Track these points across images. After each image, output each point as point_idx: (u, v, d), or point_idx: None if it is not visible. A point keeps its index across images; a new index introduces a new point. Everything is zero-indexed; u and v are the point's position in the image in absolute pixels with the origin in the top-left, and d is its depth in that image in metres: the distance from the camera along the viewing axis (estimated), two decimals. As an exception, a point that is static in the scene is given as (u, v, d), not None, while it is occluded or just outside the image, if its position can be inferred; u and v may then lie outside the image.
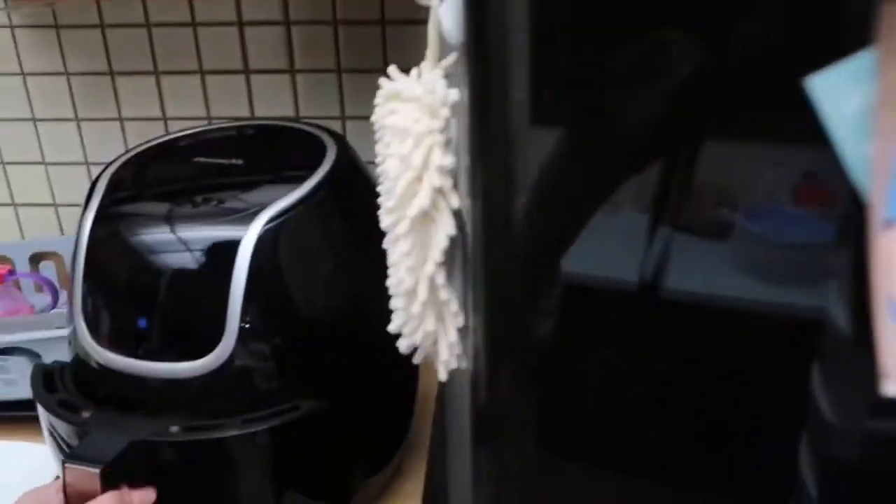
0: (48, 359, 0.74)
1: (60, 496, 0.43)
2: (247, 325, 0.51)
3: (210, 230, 0.53)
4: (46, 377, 0.57)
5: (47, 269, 0.96)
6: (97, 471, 0.43)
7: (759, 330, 0.28)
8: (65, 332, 0.69)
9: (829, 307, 0.26)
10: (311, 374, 0.55)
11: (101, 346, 0.54)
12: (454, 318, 0.42)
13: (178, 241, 0.53)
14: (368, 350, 0.59)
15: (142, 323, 0.53)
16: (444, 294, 0.41)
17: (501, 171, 0.29)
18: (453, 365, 0.43)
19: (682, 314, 0.29)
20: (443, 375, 0.44)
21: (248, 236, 0.51)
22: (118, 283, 0.55)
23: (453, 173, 0.34)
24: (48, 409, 0.52)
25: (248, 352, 0.52)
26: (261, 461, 0.52)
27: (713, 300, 0.28)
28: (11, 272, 0.88)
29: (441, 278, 0.40)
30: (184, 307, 0.53)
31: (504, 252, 0.31)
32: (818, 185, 0.24)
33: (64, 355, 0.62)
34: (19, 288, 0.92)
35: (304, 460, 0.54)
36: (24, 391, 0.67)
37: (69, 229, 1.01)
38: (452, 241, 0.36)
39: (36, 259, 0.97)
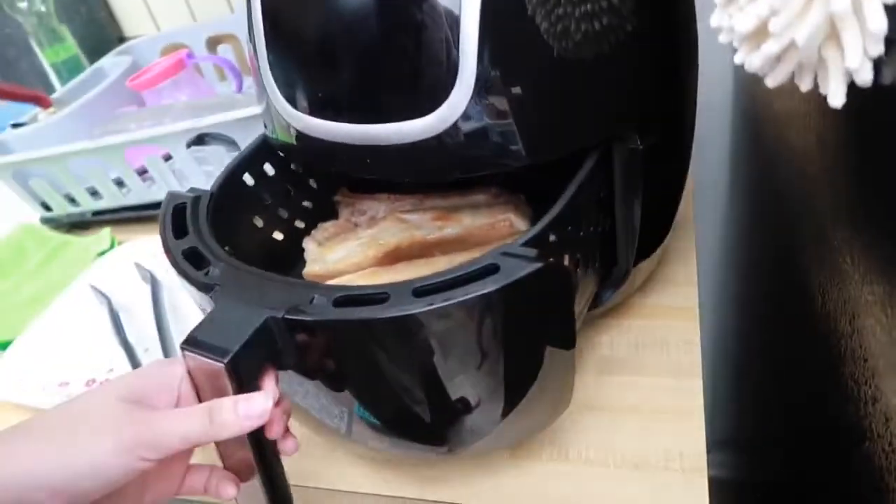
0: (244, 145, 0.66)
1: (188, 384, 0.33)
2: (487, 68, 0.36)
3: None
4: (177, 214, 0.43)
5: (225, 53, 0.87)
6: (220, 365, 0.30)
7: None
8: (257, 110, 0.59)
9: None
10: (567, 130, 0.40)
11: (300, 111, 0.42)
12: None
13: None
14: (660, 96, 0.42)
15: (343, 78, 0.40)
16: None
17: None
18: (866, 76, 0.25)
19: None
20: (839, 97, 0.26)
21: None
22: (308, 31, 0.41)
23: None
24: (173, 263, 0.39)
25: (488, 105, 0.37)
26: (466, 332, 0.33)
27: None
28: (190, 56, 0.79)
29: None
30: (397, 50, 0.38)
31: None
32: None
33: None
34: (201, 74, 0.84)
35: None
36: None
37: (241, 7, 0.89)
38: None
39: (213, 44, 0.88)
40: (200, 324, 0.32)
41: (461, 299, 0.30)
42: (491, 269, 0.31)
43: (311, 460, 0.47)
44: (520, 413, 0.37)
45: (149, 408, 0.32)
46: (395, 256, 0.50)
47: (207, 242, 0.40)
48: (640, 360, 0.49)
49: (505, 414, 0.37)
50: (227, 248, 0.43)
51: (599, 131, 0.41)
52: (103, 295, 0.63)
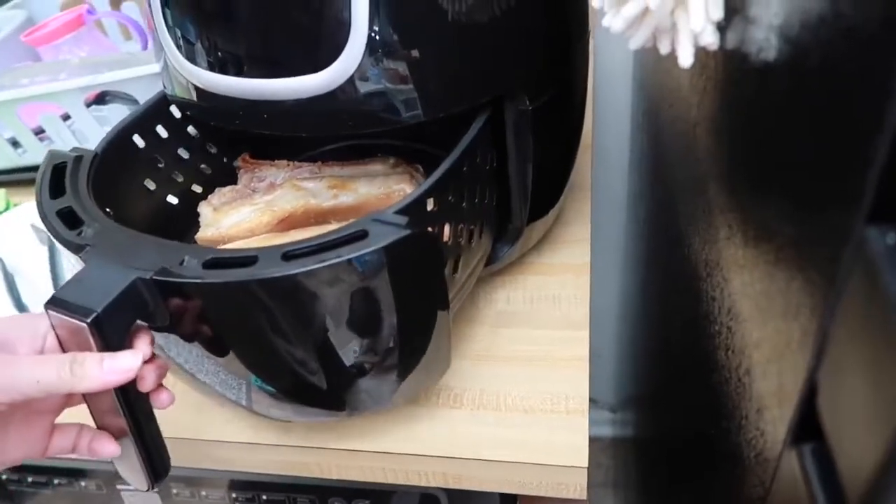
0: (146, 104, 0.65)
1: (54, 338, 0.32)
2: (380, 27, 0.37)
3: None
4: (56, 174, 0.42)
5: (130, 11, 0.84)
6: (84, 324, 0.29)
7: None
8: (158, 67, 0.58)
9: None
10: (460, 89, 0.42)
11: (198, 66, 0.42)
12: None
13: None
14: (548, 60, 0.45)
15: (238, 32, 0.40)
16: None
17: None
18: (709, 38, 0.28)
19: None
20: (688, 58, 0.29)
21: None
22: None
23: None
24: (44, 222, 0.38)
25: (381, 63, 0.38)
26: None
27: None
28: (90, 11, 0.76)
29: None
30: (291, 5, 0.38)
31: None
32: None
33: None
34: (104, 32, 0.81)
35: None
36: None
37: (144, -37, 0.86)
38: None
39: (116, 3, 0.85)
40: (66, 284, 0.32)
41: (326, 264, 0.31)
42: (359, 235, 0.32)
43: (198, 414, 0.48)
44: (395, 374, 0.38)
45: (7, 352, 0.32)
46: (289, 223, 0.50)
47: (84, 203, 0.39)
48: (534, 314, 0.52)
49: (381, 374, 0.38)
50: (108, 210, 0.42)
51: (490, 90, 0.42)
52: (-3, 257, 0.61)
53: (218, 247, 0.49)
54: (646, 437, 0.85)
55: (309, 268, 0.31)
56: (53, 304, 0.31)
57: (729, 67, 0.32)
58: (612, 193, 0.90)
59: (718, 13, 0.28)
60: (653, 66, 0.64)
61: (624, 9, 0.29)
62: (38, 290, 0.58)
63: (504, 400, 0.46)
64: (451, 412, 0.46)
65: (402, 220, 0.32)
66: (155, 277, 0.32)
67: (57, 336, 0.32)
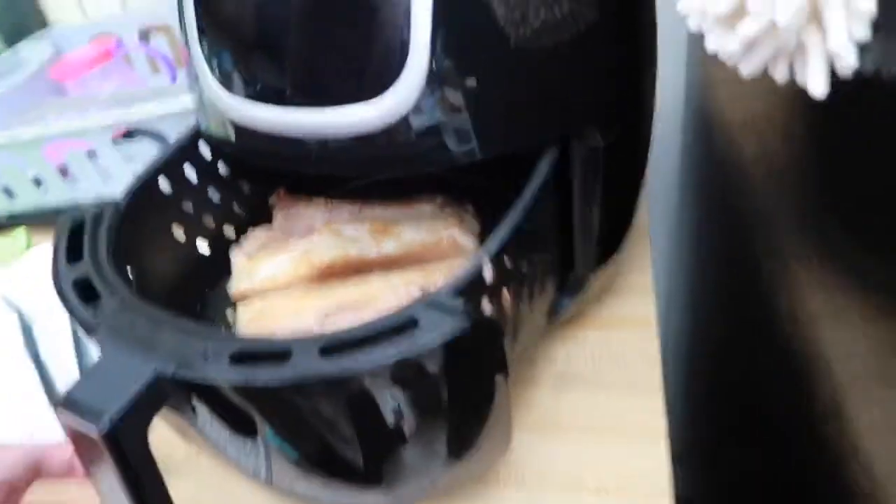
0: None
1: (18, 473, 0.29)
2: (439, 54, 0.33)
3: None
4: (73, 235, 0.38)
5: (159, 45, 0.82)
6: (95, 436, 0.25)
7: None
8: (189, 103, 0.55)
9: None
10: (522, 125, 0.37)
11: (237, 94, 0.38)
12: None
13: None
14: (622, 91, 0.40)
15: (285, 56, 0.36)
16: None
17: None
18: (850, 60, 0.23)
19: None
20: (821, 85, 0.24)
21: None
22: (245, 13, 0.37)
23: None
24: (59, 295, 0.34)
25: (440, 95, 0.34)
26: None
27: None
28: (119, 45, 0.74)
29: None
30: (343, 31, 0.34)
31: None
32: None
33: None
34: (131, 66, 0.79)
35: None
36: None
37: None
38: None
39: (145, 36, 0.83)
40: (79, 380, 0.28)
41: (370, 366, 0.27)
42: (409, 324, 0.27)
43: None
44: (447, 461, 0.33)
45: None
46: (328, 273, 0.46)
47: (103, 269, 0.35)
48: (598, 375, 0.47)
49: (431, 462, 0.33)
50: (131, 267, 0.39)
51: (558, 126, 0.38)
52: (13, 305, 0.57)
53: (253, 299, 0.45)
54: (696, 497, 0.78)
55: (350, 369, 0.27)
56: (65, 404, 0.27)
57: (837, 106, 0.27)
58: (665, 233, 0.85)
59: (864, 31, 0.23)
60: (708, 98, 0.59)
61: (741, 27, 0.25)
62: (57, 343, 0.54)
63: (572, 479, 0.40)
64: (513, 493, 0.40)
65: (458, 303, 0.28)
66: (176, 375, 0.28)
67: (71, 439, 0.28)
